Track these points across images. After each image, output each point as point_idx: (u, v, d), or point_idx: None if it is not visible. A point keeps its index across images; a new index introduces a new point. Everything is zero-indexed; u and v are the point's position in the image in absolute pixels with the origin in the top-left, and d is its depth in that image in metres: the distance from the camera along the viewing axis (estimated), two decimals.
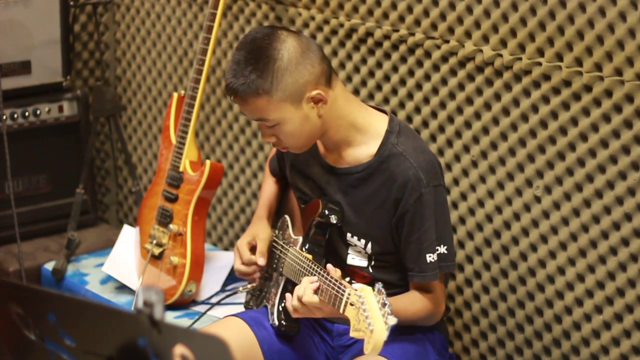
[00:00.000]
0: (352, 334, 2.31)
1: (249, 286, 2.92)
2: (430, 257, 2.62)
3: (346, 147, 2.68)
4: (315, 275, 2.52)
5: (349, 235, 2.70)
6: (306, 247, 2.70)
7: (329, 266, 2.52)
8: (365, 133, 2.66)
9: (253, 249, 2.86)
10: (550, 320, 2.92)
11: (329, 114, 2.60)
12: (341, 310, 2.38)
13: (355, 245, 2.71)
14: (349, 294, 2.36)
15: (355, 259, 2.72)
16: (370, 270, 2.71)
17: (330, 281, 2.44)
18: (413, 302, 2.65)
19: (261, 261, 2.82)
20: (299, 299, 2.51)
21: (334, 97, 2.61)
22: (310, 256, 2.63)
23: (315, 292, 2.49)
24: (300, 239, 2.73)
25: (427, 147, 2.72)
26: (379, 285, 2.28)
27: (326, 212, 2.66)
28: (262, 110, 2.55)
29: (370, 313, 2.25)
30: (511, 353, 3.03)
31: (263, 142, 3.61)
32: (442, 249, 2.63)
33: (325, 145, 2.71)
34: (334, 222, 2.67)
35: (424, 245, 2.61)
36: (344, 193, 2.69)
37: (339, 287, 2.40)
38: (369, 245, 2.68)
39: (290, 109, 2.55)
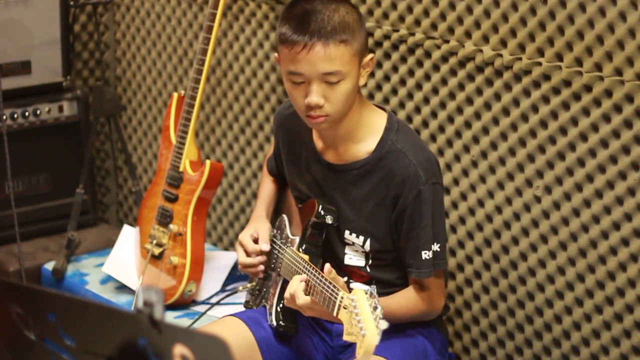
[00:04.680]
0: (345, 337, 2.30)
1: (248, 285, 2.91)
2: (426, 254, 2.62)
3: (345, 143, 2.68)
4: (310, 277, 2.52)
5: (347, 232, 2.70)
6: (303, 247, 2.70)
7: (327, 266, 2.52)
8: (366, 129, 2.66)
9: (256, 241, 2.85)
10: (550, 320, 2.92)
11: None
12: (334, 314, 2.38)
13: (353, 244, 2.71)
14: (342, 298, 2.36)
15: (352, 259, 2.72)
16: (368, 270, 2.72)
17: (324, 283, 2.44)
18: (407, 299, 2.66)
19: (265, 246, 2.80)
20: (292, 298, 2.52)
21: None
22: (306, 257, 2.63)
23: (306, 290, 2.50)
24: (297, 239, 2.73)
25: (425, 145, 2.73)
26: (371, 289, 2.28)
27: (322, 212, 2.66)
28: (339, 59, 2.52)
29: (362, 317, 2.24)
30: (511, 353, 3.04)
31: (263, 142, 3.61)
32: (436, 247, 2.63)
33: (325, 140, 2.71)
34: (330, 222, 2.67)
35: (421, 243, 2.62)
36: (342, 190, 2.69)
37: (332, 290, 2.40)
38: (368, 242, 2.68)
39: (356, 65, 2.56)
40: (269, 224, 2.90)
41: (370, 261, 2.72)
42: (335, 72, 2.53)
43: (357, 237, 2.69)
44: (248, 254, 2.83)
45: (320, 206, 2.67)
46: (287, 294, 2.55)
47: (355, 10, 2.59)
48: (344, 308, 2.33)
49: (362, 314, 2.25)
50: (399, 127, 2.67)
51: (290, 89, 2.59)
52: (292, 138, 2.80)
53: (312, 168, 2.75)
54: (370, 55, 2.61)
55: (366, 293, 2.28)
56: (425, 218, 2.61)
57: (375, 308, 2.24)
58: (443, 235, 2.67)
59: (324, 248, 2.71)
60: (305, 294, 2.51)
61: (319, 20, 2.52)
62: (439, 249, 2.64)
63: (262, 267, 2.83)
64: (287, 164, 2.84)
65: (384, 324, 2.22)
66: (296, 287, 2.52)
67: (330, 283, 2.42)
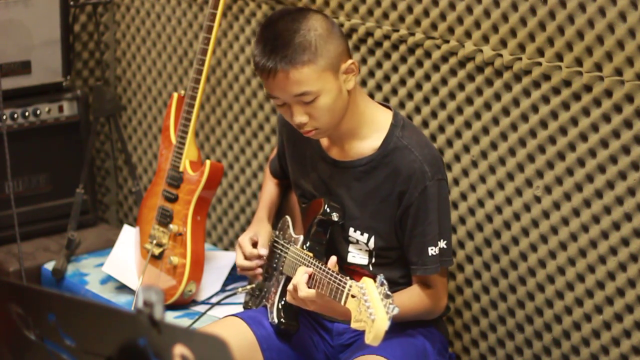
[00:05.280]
0: (353, 325, 2.32)
1: (248, 287, 2.92)
2: (432, 251, 2.62)
3: (350, 140, 2.68)
4: (316, 271, 2.52)
5: (351, 230, 2.70)
6: (307, 245, 2.70)
7: (333, 258, 2.52)
8: (371, 126, 2.67)
9: (255, 245, 2.86)
10: (550, 320, 2.92)
11: (350, 96, 2.61)
12: (342, 302, 2.39)
13: (357, 242, 2.71)
14: (350, 286, 2.37)
15: (356, 257, 2.72)
16: (371, 268, 2.72)
17: (331, 275, 2.45)
18: (411, 298, 2.66)
19: (263, 251, 2.82)
20: (295, 290, 2.53)
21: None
22: (311, 254, 2.64)
23: (310, 283, 2.50)
24: (301, 237, 2.74)
25: (430, 142, 2.73)
26: (381, 278, 2.29)
27: (328, 209, 2.67)
28: (305, 81, 2.52)
29: (372, 303, 2.26)
30: (511, 353, 3.04)
31: (263, 142, 3.61)
32: (442, 244, 2.64)
33: (330, 137, 2.71)
34: (336, 219, 2.67)
35: (427, 239, 2.62)
36: (347, 187, 2.70)
37: (340, 280, 2.42)
38: (372, 240, 2.68)
39: (330, 79, 2.55)
40: (270, 227, 2.90)
41: (373, 259, 2.72)
42: (305, 93, 2.53)
43: (362, 234, 2.70)
44: (246, 257, 2.84)
45: (327, 204, 2.68)
46: (290, 286, 2.56)
47: (322, 24, 2.56)
48: (352, 297, 2.35)
49: (372, 301, 2.26)
50: (405, 124, 2.67)
51: (277, 108, 2.63)
52: (297, 136, 2.80)
53: (318, 165, 2.75)
54: (349, 61, 2.59)
55: (375, 282, 2.29)
56: (431, 214, 2.61)
57: (386, 296, 2.25)
58: (449, 232, 2.67)
59: (327, 246, 2.71)
60: (309, 288, 2.52)
61: (279, 46, 2.52)
62: (445, 246, 2.64)
63: (259, 271, 2.84)
64: (292, 162, 2.84)
65: (395, 310, 2.23)
66: (299, 278, 2.52)
67: (338, 274, 2.44)
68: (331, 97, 2.56)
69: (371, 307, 2.26)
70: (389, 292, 2.27)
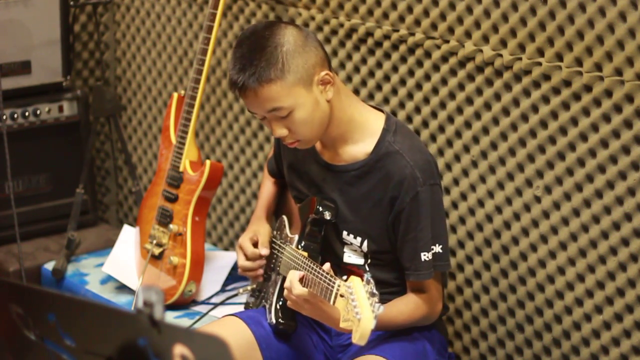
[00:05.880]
0: (341, 324, 2.32)
1: (249, 287, 2.92)
2: (425, 256, 2.62)
3: (343, 144, 2.68)
4: (308, 271, 2.53)
5: (344, 233, 2.70)
6: (302, 244, 2.71)
7: (327, 265, 2.52)
8: (363, 130, 2.66)
9: (255, 245, 2.86)
10: (550, 320, 2.92)
11: (333, 104, 2.61)
12: (331, 302, 2.39)
13: (351, 244, 2.71)
14: (339, 286, 2.37)
15: (351, 257, 2.73)
16: (367, 269, 2.72)
17: (321, 275, 2.46)
18: (407, 305, 2.66)
19: (264, 251, 2.82)
20: (289, 292, 2.53)
21: (337, 89, 2.61)
22: (305, 253, 2.64)
23: (302, 283, 2.51)
24: (297, 237, 2.74)
25: (423, 146, 2.73)
26: (367, 276, 2.29)
27: (320, 208, 2.67)
28: (275, 98, 2.53)
29: (358, 302, 2.27)
30: (511, 353, 3.04)
31: (263, 142, 3.61)
32: (437, 248, 2.63)
33: (322, 141, 2.72)
34: (328, 218, 2.67)
35: (420, 244, 2.62)
36: (340, 191, 2.70)
37: (329, 280, 2.42)
38: (365, 243, 2.69)
39: (302, 93, 2.54)
40: (269, 226, 2.90)
41: (369, 260, 2.72)
42: (277, 109, 2.54)
43: (355, 237, 2.70)
44: (248, 258, 2.84)
45: (319, 203, 2.68)
46: (285, 291, 2.56)
47: (291, 38, 2.55)
48: (341, 296, 2.35)
49: (358, 300, 2.26)
50: (397, 129, 2.67)
51: (261, 122, 2.65)
52: None
53: (311, 168, 2.75)
54: (323, 72, 2.57)
55: (362, 280, 2.29)
56: (423, 220, 2.61)
57: (372, 294, 2.25)
58: (444, 236, 2.66)
59: (323, 246, 2.72)
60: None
61: (247, 64, 2.53)
62: (440, 250, 2.64)
63: (261, 271, 2.84)
64: (287, 163, 2.84)
65: (381, 308, 2.24)
66: (291, 278, 2.52)
67: (327, 274, 2.44)
68: (306, 110, 2.56)
69: (358, 306, 2.26)
70: (375, 291, 2.27)
